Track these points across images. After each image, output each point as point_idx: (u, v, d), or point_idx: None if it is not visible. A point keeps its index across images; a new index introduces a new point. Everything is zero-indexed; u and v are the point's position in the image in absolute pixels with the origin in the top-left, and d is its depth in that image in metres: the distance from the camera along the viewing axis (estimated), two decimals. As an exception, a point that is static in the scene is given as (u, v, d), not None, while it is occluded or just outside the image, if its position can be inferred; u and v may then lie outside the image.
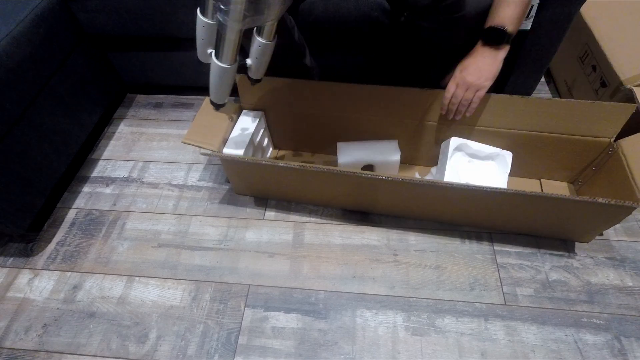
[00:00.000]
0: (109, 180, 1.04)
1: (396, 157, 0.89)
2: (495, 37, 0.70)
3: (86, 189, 1.02)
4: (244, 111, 0.92)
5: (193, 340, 0.76)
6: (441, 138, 0.90)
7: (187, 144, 0.79)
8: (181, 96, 1.25)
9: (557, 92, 1.18)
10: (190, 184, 1.02)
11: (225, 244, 0.90)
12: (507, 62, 1.01)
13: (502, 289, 0.80)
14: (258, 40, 0.63)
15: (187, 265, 0.87)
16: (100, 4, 0.95)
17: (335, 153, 0.91)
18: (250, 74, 0.70)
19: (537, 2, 0.80)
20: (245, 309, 0.80)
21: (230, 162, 0.86)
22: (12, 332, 0.79)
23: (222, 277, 0.84)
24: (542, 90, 1.19)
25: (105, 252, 0.90)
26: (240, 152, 0.83)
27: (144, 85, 1.24)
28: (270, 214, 0.94)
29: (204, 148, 0.80)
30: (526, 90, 1.08)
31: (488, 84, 0.73)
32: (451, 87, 0.76)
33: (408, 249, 0.87)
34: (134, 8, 0.95)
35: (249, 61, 0.67)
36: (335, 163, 0.91)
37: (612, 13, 1.00)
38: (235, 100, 0.92)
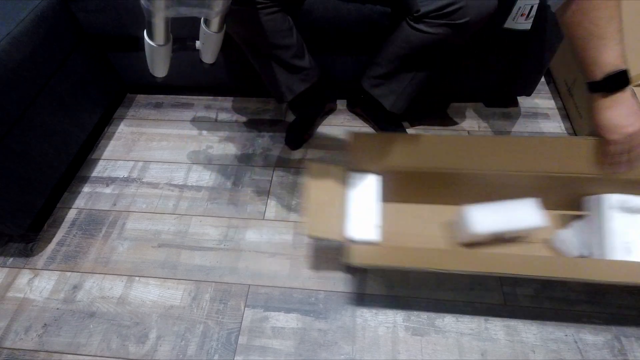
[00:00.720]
0: (109, 180, 1.04)
1: (543, 222, 0.75)
2: (620, 81, 0.63)
3: (86, 189, 1.02)
4: (353, 175, 0.79)
5: (193, 340, 0.76)
6: (579, 192, 0.77)
7: (313, 237, 0.69)
8: (181, 96, 1.25)
9: (557, 92, 1.18)
10: (190, 184, 1.02)
11: (225, 244, 0.90)
12: (507, 63, 1.02)
13: (502, 289, 0.80)
14: (203, 28, 0.65)
15: (187, 265, 0.87)
16: (100, 4, 0.95)
17: (448, 202, 0.83)
18: (200, 57, 0.71)
19: (537, 2, 0.80)
20: (245, 309, 0.80)
21: (362, 252, 0.69)
22: (12, 332, 0.79)
23: (222, 277, 0.84)
24: (542, 90, 1.19)
25: (105, 252, 0.90)
26: (371, 236, 0.71)
27: (144, 85, 1.24)
28: (270, 214, 0.94)
29: (332, 239, 0.70)
30: (526, 90, 1.08)
31: None
32: (615, 149, 0.67)
33: (408, 249, 0.87)
34: (134, 8, 0.95)
35: (198, 44, 0.68)
36: (449, 222, 0.83)
37: (612, 13, 1.00)
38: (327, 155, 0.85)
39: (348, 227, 0.72)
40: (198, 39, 0.68)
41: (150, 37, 0.63)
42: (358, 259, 0.64)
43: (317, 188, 0.73)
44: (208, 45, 0.68)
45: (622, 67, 0.61)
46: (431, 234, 0.84)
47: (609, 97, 0.64)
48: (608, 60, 0.61)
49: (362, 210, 0.74)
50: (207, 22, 0.65)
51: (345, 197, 0.75)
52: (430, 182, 0.80)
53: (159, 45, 0.64)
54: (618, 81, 0.63)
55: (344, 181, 0.76)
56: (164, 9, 0.54)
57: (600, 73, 0.63)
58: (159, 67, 0.70)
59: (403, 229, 0.84)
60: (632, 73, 0.86)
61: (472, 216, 0.76)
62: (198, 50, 0.70)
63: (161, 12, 0.55)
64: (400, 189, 0.81)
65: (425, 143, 0.76)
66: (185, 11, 0.54)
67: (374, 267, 0.63)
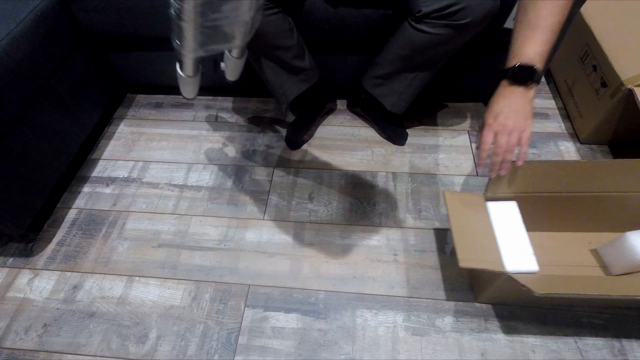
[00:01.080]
0: (109, 180, 1.04)
1: None
2: (525, 76, 0.63)
3: (86, 189, 1.02)
4: (493, 204, 0.75)
5: (193, 340, 0.76)
6: None
7: (467, 267, 0.64)
8: (181, 96, 1.24)
9: (557, 92, 1.18)
10: (190, 184, 1.02)
11: (225, 244, 0.90)
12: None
13: (502, 289, 0.80)
14: (226, 53, 0.72)
15: (187, 265, 0.87)
16: (100, 4, 0.95)
17: (590, 229, 0.80)
18: (225, 75, 0.78)
19: (537, 2, 0.80)
20: (245, 309, 0.80)
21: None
22: (12, 332, 0.79)
23: (222, 277, 0.84)
24: (542, 90, 1.19)
25: (105, 252, 0.90)
26: (530, 266, 0.67)
27: (144, 85, 1.24)
28: (270, 214, 0.94)
29: (488, 270, 0.66)
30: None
31: (530, 122, 0.65)
32: (488, 135, 0.66)
33: (408, 249, 0.87)
34: (134, 8, 0.95)
35: (222, 65, 0.76)
36: (598, 249, 0.80)
37: (612, 13, 1.00)
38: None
39: (504, 258, 0.68)
40: (222, 61, 0.77)
41: (181, 70, 0.72)
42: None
43: (459, 217, 0.71)
44: (231, 67, 0.75)
45: (535, 64, 0.61)
46: (578, 262, 0.81)
47: (510, 87, 0.65)
48: (528, 51, 0.61)
49: (512, 238, 0.71)
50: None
51: (491, 225, 0.72)
52: (569, 207, 0.78)
53: (189, 76, 0.73)
54: (523, 75, 0.63)
55: (485, 208, 0.74)
56: (193, 51, 0.60)
57: (515, 60, 0.63)
58: (188, 92, 0.79)
59: (549, 258, 0.80)
60: (632, 73, 0.87)
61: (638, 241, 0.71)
62: (222, 70, 0.80)
63: (191, 54, 0.61)
64: (538, 215, 0.78)
65: (559, 167, 0.72)
66: (212, 50, 0.60)
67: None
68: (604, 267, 0.79)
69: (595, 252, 0.81)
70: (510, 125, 0.64)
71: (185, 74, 0.72)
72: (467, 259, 0.64)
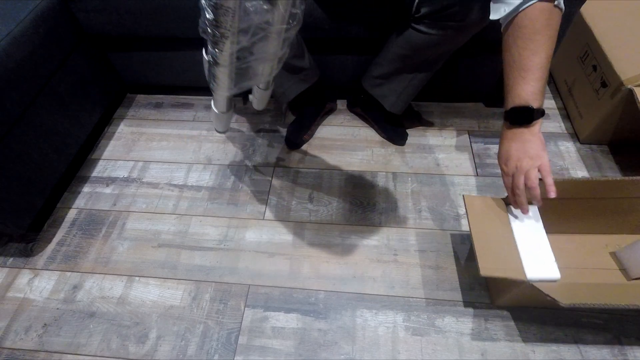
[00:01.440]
0: (109, 180, 1.04)
1: None
2: (523, 118, 0.62)
3: (86, 189, 1.02)
4: (513, 208, 0.73)
5: (193, 340, 0.76)
6: None
7: (488, 276, 0.64)
8: (181, 96, 1.25)
9: (557, 92, 1.18)
10: (190, 184, 1.02)
11: (225, 244, 0.90)
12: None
13: (502, 289, 0.80)
14: (255, 87, 0.75)
15: (187, 265, 0.87)
16: (100, 4, 0.95)
17: (606, 232, 0.80)
18: (253, 105, 0.83)
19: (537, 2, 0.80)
20: (245, 309, 0.80)
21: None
22: (12, 332, 0.79)
23: (222, 277, 0.84)
24: (542, 90, 1.19)
25: (105, 252, 0.90)
26: (553, 274, 0.65)
27: (144, 85, 1.24)
28: (270, 214, 0.94)
29: (510, 279, 0.64)
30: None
31: (544, 154, 0.63)
32: (507, 181, 0.66)
33: (408, 249, 0.87)
34: (134, 8, 0.95)
35: (251, 97, 0.81)
36: (616, 253, 0.80)
37: (612, 13, 1.00)
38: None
39: (525, 265, 0.66)
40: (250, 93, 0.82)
41: (216, 106, 0.76)
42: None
43: (479, 222, 0.70)
44: (258, 98, 0.80)
45: (531, 104, 0.60)
46: (597, 265, 0.80)
47: (512, 129, 0.64)
48: (520, 93, 0.61)
49: (533, 244, 0.69)
50: None
51: (511, 231, 0.71)
52: (586, 210, 0.77)
53: (222, 112, 0.77)
54: (521, 116, 0.62)
55: (505, 213, 0.73)
56: (227, 90, 0.65)
57: (510, 103, 0.62)
58: (221, 126, 0.84)
59: (568, 261, 0.78)
60: (632, 73, 0.87)
61: None
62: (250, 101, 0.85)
63: (225, 92, 0.66)
64: (555, 217, 0.76)
65: (579, 184, 0.72)
66: (244, 87, 0.65)
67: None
68: (623, 270, 0.78)
69: (613, 255, 0.81)
70: (524, 166, 0.63)
71: (219, 110, 0.77)
72: (488, 267, 0.63)
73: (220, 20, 0.51)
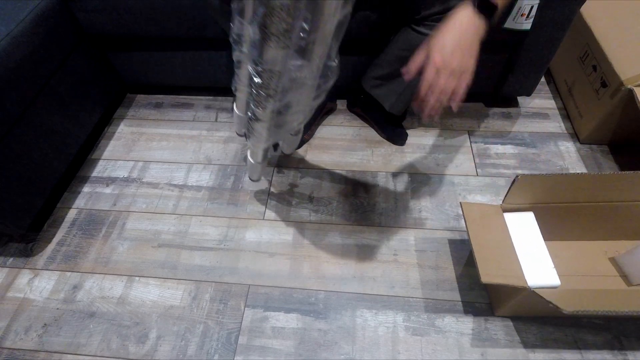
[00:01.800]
0: (109, 180, 1.04)
1: None
2: (485, 8, 0.58)
3: (86, 189, 1.02)
4: (510, 215, 0.75)
5: (193, 340, 0.76)
6: None
7: (489, 282, 0.64)
8: (181, 96, 1.25)
9: (557, 92, 1.18)
10: (190, 184, 1.02)
11: (225, 244, 0.90)
12: (507, 63, 1.02)
13: (502, 289, 0.80)
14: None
15: (187, 265, 0.87)
16: (100, 4, 0.95)
17: (605, 238, 0.80)
18: (283, 150, 0.90)
19: (537, 2, 0.80)
20: (245, 309, 0.80)
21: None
22: (12, 332, 0.79)
23: (222, 277, 0.84)
24: (542, 90, 1.19)
25: (105, 252, 0.90)
26: (552, 281, 0.66)
27: (144, 85, 1.24)
28: (270, 214, 0.94)
29: (511, 286, 0.65)
30: (526, 90, 1.08)
31: (473, 63, 0.60)
32: (430, 73, 0.60)
33: (408, 249, 0.87)
34: (134, 8, 0.95)
35: (281, 143, 0.86)
36: (615, 259, 0.80)
37: (612, 13, 1.00)
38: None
39: (525, 272, 0.67)
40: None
41: (252, 157, 0.78)
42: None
43: (477, 229, 0.70)
44: (288, 142, 0.86)
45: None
46: (597, 272, 0.80)
47: (459, 16, 0.59)
48: None
49: (531, 251, 0.70)
50: None
51: (509, 238, 0.71)
52: (585, 216, 0.77)
53: (258, 163, 0.79)
54: (483, 5, 0.58)
55: (502, 220, 0.73)
56: (265, 142, 0.68)
57: None
58: (255, 176, 0.86)
59: (568, 268, 0.79)
60: (632, 73, 0.87)
61: None
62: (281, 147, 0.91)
63: (263, 144, 0.71)
64: (554, 224, 0.77)
65: (574, 179, 0.71)
66: (279, 138, 0.70)
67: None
68: (624, 276, 0.78)
69: (613, 261, 0.80)
70: (454, 65, 0.59)
71: (255, 160, 0.78)
72: (489, 274, 0.64)
73: (267, 83, 0.54)
